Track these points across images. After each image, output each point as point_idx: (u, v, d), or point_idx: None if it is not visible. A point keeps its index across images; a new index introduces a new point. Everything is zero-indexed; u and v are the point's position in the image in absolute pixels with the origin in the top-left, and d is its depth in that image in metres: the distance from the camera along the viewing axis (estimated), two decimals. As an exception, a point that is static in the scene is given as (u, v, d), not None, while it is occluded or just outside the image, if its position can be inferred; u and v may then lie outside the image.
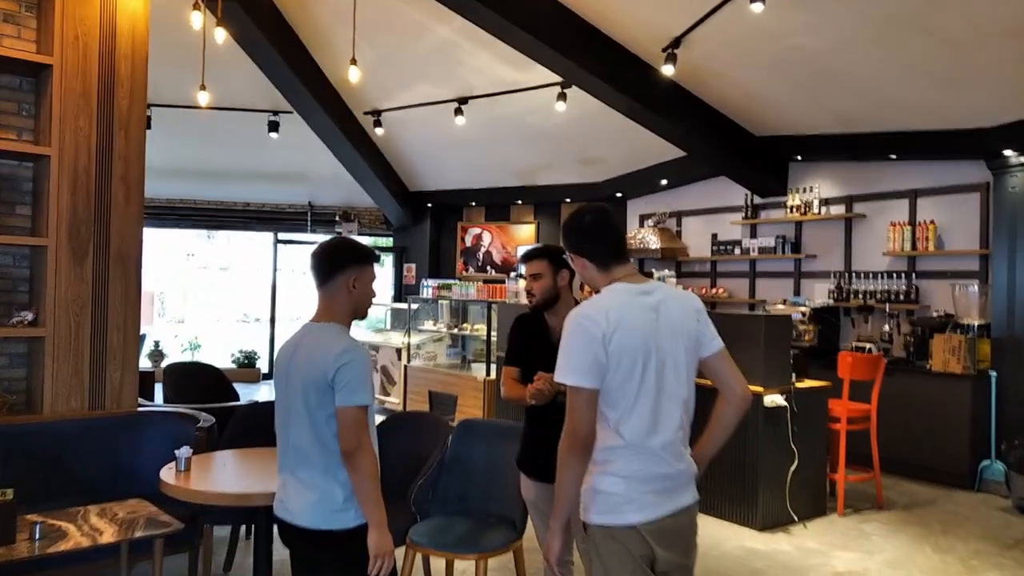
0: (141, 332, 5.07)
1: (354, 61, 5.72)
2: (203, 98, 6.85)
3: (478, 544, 3.21)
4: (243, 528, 4.33)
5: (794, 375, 5.14)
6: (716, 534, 4.80)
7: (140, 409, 4.25)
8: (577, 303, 3.06)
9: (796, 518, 5.00)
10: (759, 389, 4.87)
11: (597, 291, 2.27)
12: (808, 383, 5.25)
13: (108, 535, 2.82)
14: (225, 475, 3.31)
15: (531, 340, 3.04)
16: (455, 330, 8.54)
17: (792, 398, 4.97)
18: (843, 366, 5.34)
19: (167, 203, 11.26)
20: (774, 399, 4.90)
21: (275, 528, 2.51)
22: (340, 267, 2.39)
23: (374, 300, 2.51)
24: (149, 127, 8.22)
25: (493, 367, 7.39)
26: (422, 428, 3.86)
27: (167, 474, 3.14)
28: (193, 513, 3.43)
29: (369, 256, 2.45)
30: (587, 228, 2.19)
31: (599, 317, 2.03)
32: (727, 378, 2.22)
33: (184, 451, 3.21)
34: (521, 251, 10.22)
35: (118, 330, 4.12)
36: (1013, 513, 5.39)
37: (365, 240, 12.20)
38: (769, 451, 4.91)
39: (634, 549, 2.01)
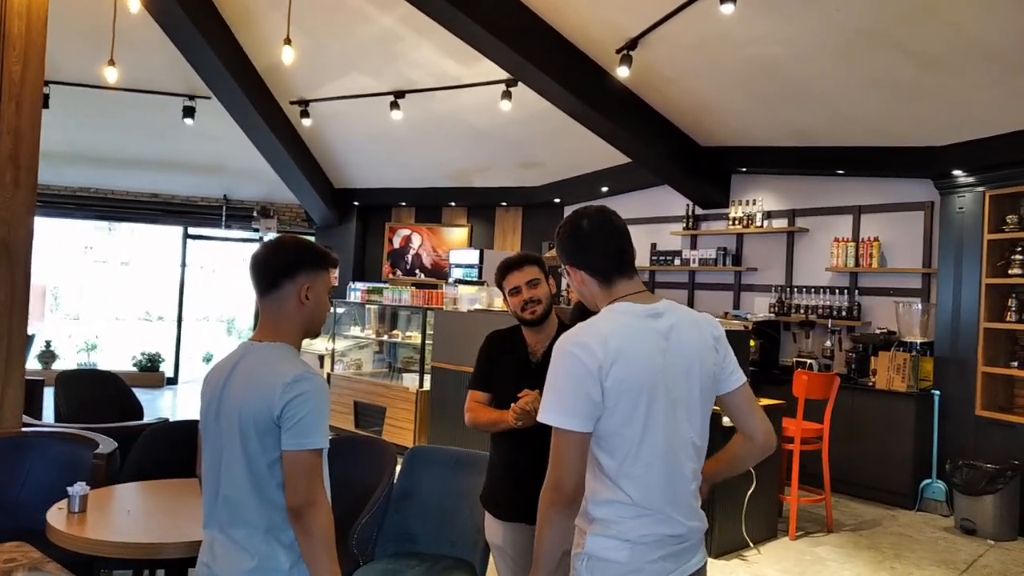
0: (30, 332, 4.40)
1: (288, 41, 5.19)
2: (111, 75, 6.16)
3: (433, 593, 2.79)
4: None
5: (751, 394, 4.92)
6: (671, 563, 4.52)
7: (25, 430, 3.62)
8: (560, 320, 2.70)
9: (752, 544, 4.79)
10: (717, 408, 4.61)
11: (589, 303, 1.91)
12: (764, 401, 5.05)
13: (-23, 594, 2.26)
14: (129, 517, 2.77)
15: (506, 361, 2.64)
16: (384, 337, 8.04)
17: (750, 418, 4.75)
18: (798, 384, 5.18)
19: (65, 190, 10.27)
20: (732, 419, 4.66)
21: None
22: (289, 273, 1.92)
23: (328, 313, 2.05)
24: (47, 106, 7.45)
25: (427, 377, 6.94)
26: (364, 456, 3.41)
27: (56, 517, 2.59)
28: (88, 558, 2.87)
29: (325, 259, 1.97)
30: (587, 234, 1.82)
31: (595, 345, 1.67)
32: (748, 421, 1.91)
33: (78, 488, 2.65)
34: (455, 255, 9.85)
35: (0, 337, 3.49)
36: (956, 533, 5.36)
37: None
38: (726, 474, 4.67)
39: None
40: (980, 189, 5.80)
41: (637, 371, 1.69)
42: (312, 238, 11.39)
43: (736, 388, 1.88)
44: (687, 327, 1.81)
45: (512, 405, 2.41)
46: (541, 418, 1.71)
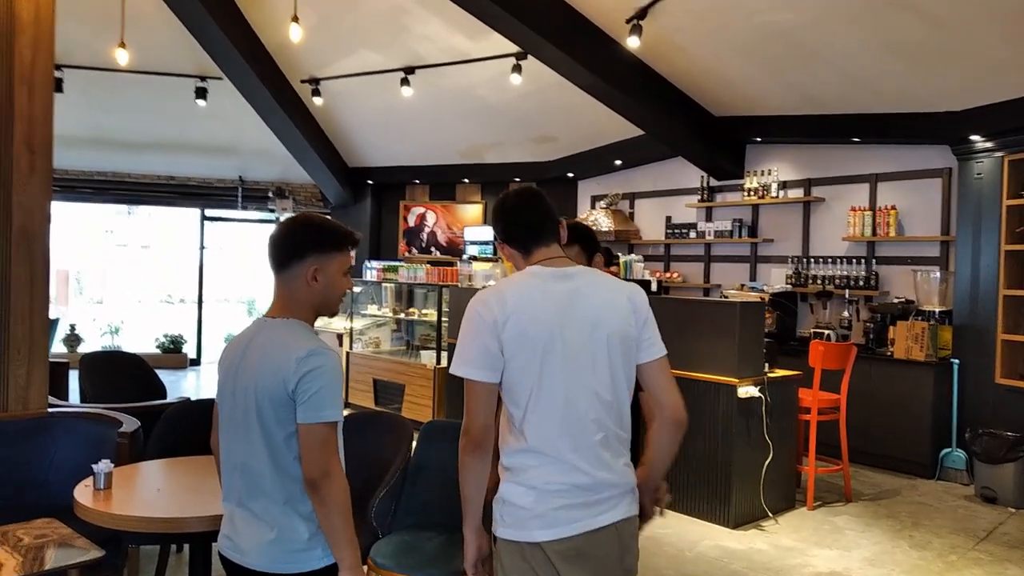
0: (55, 316, 4.47)
1: (296, 19, 5.18)
2: (122, 57, 6.19)
3: (451, 564, 2.84)
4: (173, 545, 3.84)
5: (767, 365, 4.92)
6: (689, 533, 4.56)
7: (51, 410, 3.69)
8: None
9: (770, 514, 4.81)
10: (733, 380, 4.64)
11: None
12: (780, 372, 5.05)
13: (9, 568, 2.32)
14: (153, 493, 2.84)
15: None
16: (401, 315, 8.09)
17: (766, 389, 4.76)
18: (815, 355, 5.15)
19: (83, 175, 10.37)
20: (748, 390, 4.67)
21: (215, 558, 2.07)
22: (298, 255, 1.94)
23: (348, 290, 2.06)
24: (60, 89, 7.52)
25: (444, 354, 6.99)
26: (381, 431, 3.45)
27: (83, 494, 2.66)
28: (115, 533, 2.95)
29: (338, 241, 1.98)
30: (508, 210, 2.02)
31: (493, 302, 1.84)
32: (659, 393, 1.94)
33: (103, 465, 2.71)
34: (469, 232, 9.85)
35: (22, 320, 3.55)
36: (977, 502, 5.35)
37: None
38: (743, 445, 4.69)
39: (539, 569, 1.80)
40: (999, 154, 5.70)
41: (532, 325, 1.82)
42: (328, 217, 11.40)
43: (655, 359, 1.94)
44: (596, 288, 1.93)
45: None
46: (452, 370, 1.87)
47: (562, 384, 1.82)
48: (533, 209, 1.99)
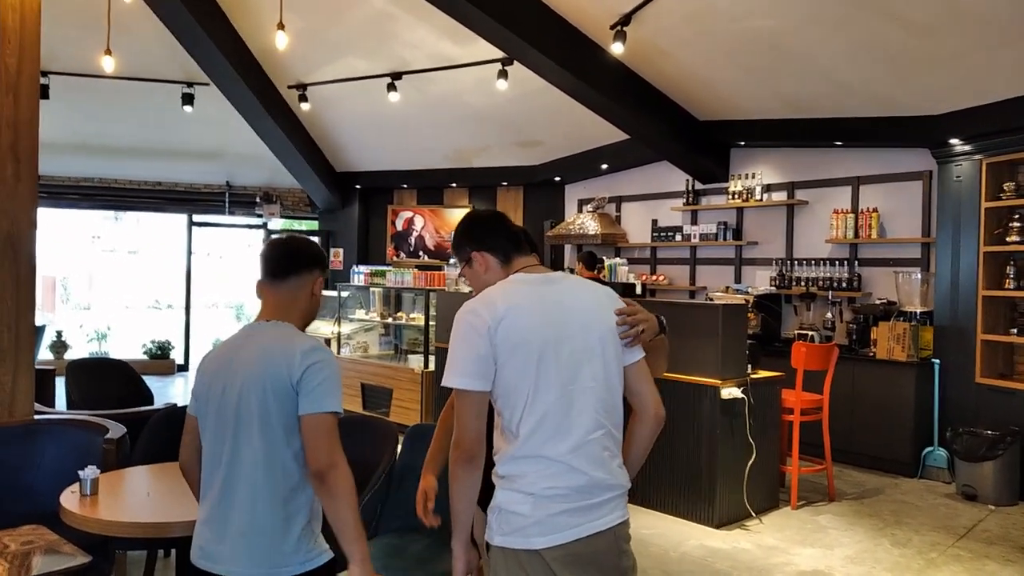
0: (41, 323, 4.47)
1: (281, 26, 5.20)
2: (108, 64, 6.19)
3: (437, 566, 2.87)
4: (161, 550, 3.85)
5: (750, 366, 4.98)
6: (674, 533, 4.60)
7: (37, 417, 3.70)
8: None
9: (753, 513, 4.87)
10: (716, 382, 4.69)
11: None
12: (763, 374, 5.11)
13: (-5, 575, 2.34)
14: (139, 499, 2.86)
15: None
16: (389, 319, 8.11)
17: (749, 390, 4.81)
18: (797, 356, 5.22)
19: (69, 181, 10.34)
20: (731, 392, 4.73)
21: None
22: (308, 268, 2.09)
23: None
24: (47, 96, 7.51)
25: (432, 358, 7.02)
26: (367, 435, 3.48)
27: (69, 500, 2.68)
28: (103, 539, 2.96)
29: (327, 264, 2.15)
30: (485, 220, 2.10)
31: (483, 310, 1.85)
32: (644, 393, 1.98)
33: (89, 471, 2.74)
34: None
35: (8, 328, 3.56)
36: (958, 500, 5.42)
37: (289, 224, 11.61)
38: (727, 446, 4.74)
39: None
40: (977, 157, 5.79)
41: (526, 328, 1.83)
42: (315, 223, 11.46)
43: (635, 362, 1.98)
44: (581, 290, 1.99)
45: None
46: (444, 382, 1.85)
47: (559, 385, 1.83)
48: (507, 223, 2.09)
